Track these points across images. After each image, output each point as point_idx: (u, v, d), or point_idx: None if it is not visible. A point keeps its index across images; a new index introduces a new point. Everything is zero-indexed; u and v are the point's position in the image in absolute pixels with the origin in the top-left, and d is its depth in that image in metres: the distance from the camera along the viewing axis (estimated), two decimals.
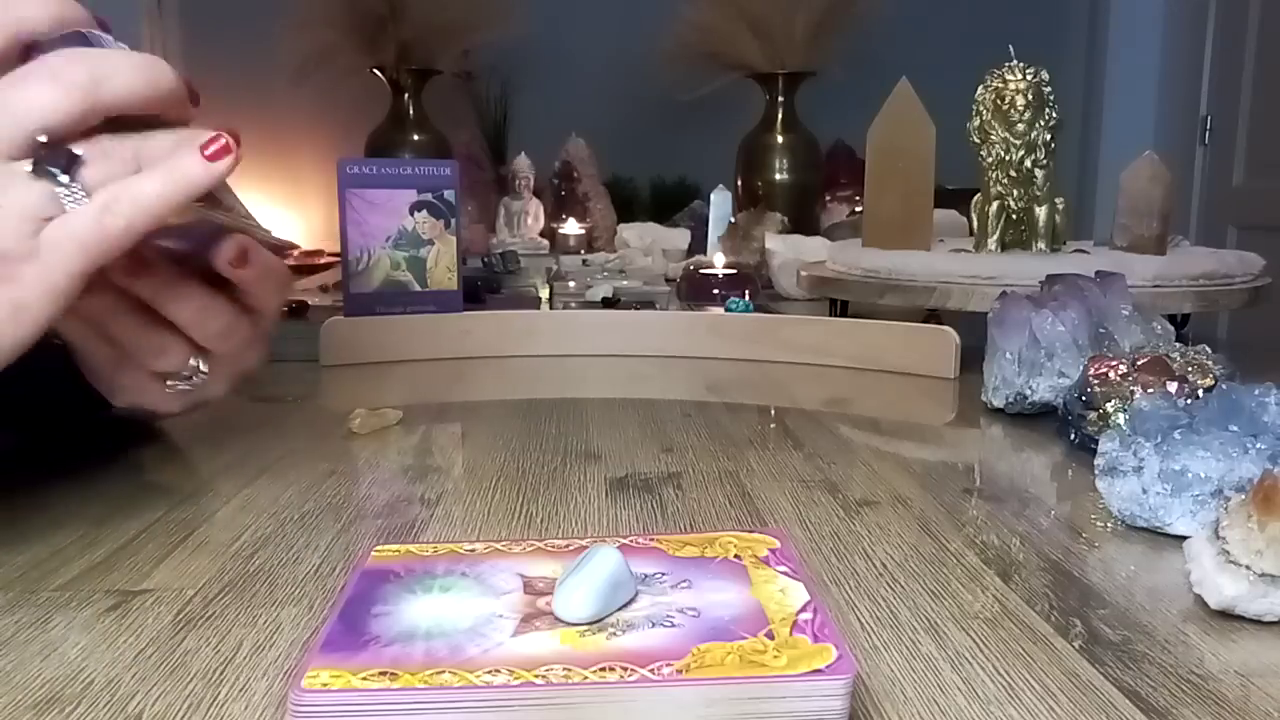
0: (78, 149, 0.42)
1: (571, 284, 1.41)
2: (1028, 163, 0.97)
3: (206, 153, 0.43)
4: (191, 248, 0.47)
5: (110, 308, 0.47)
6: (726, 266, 1.30)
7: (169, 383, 0.50)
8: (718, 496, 0.53)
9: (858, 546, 0.46)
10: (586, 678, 0.27)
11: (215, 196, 0.47)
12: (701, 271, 1.30)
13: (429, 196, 0.98)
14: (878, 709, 0.31)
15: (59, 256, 0.41)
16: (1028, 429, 0.68)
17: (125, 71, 0.43)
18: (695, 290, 1.28)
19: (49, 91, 0.41)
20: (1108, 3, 3.04)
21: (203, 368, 0.50)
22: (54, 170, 0.41)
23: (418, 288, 0.98)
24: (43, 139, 0.41)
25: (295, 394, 0.79)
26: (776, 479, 0.56)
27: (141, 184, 0.42)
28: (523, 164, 2.14)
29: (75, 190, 0.41)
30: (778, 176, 2.08)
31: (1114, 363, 0.60)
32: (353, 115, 2.45)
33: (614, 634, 0.30)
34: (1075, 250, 1.04)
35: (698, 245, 1.76)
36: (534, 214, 2.12)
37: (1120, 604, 0.39)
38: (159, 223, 0.43)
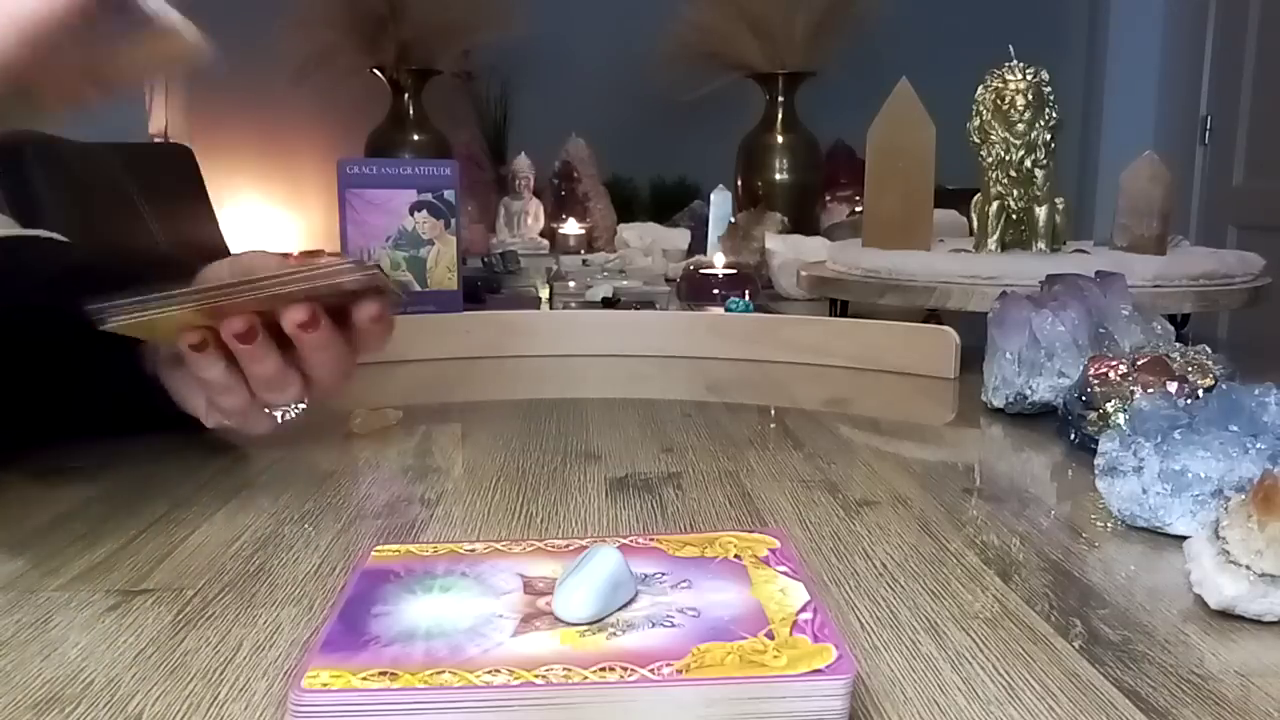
0: None
1: (571, 284, 1.41)
2: (1028, 163, 0.97)
3: None
4: (344, 299, 0.50)
5: (252, 334, 0.48)
6: (726, 266, 1.30)
7: (278, 413, 0.53)
8: (718, 496, 0.53)
9: (858, 546, 0.46)
10: (586, 678, 0.27)
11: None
12: (701, 271, 1.30)
13: (429, 196, 0.98)
14: (878, 709, 0.31)
15: None
16: (1028, 429, 0.68)
17: None
18: (695, 290, 1.28)
19: None
20: (1108, 3, 3.04)
21: (305, 401, 0.53)
22: None
23: (418, 288, 0.98)
24: None
25: None
26: (776, 479, 0.56)
27: None
28: (523, 164, 2.14)
29: None
30: (778, 176, 2.08)
31: (1114, 363, 0.60)
32: (353, 115, 2.45)
33: (614, 634, 0.30)
34: (1075, 250, 1.04)
35: (698, 245, 1.76)
36: (534, 214, 2.12)
37: (1120, 604, 0.39)
38: (53, 30, 0.41)
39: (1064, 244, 1.04)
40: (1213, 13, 2.83)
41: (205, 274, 0.54)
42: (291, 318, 0.48)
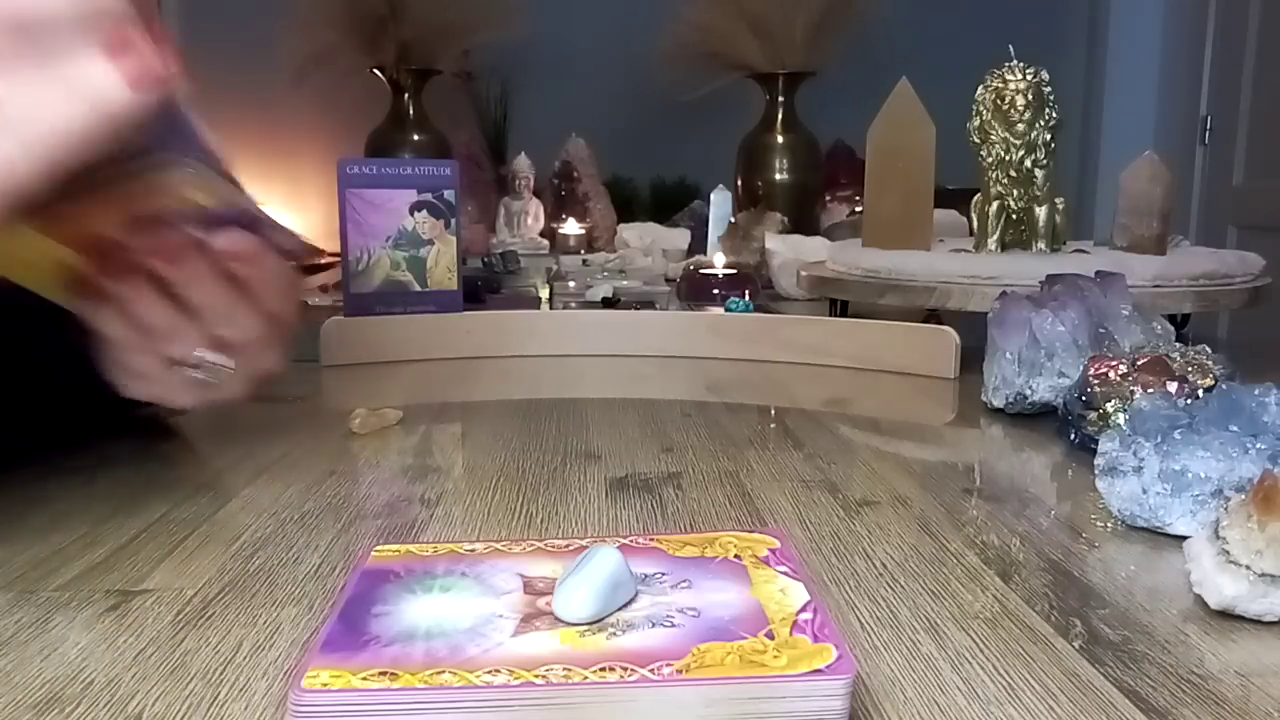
0: None
1: (571, 284, 1.41)
2: (1028, 163, 0.97)
3: (131, 80, 0.35)
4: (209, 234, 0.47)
5: (133, 288, 0.46)
6: (726, 266, 1.30)
7: (184, 371, 0.49)
8: (718, 496, 0.53)
9: (858, 546, 0.46)
10: (586, 678, 0.27)
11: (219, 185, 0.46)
12: (701, 271, 1.30)
13: (429, 196, 0.98)
14: (878, 709, 0.31)
15: None
16: (1028, 429, 0.68)
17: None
18: (695, 290, 1.28)
19: None
20: (1108, 3, 3.04)
21: (218, 361, 0.50)
22: None
23: (418, 288, 0.98)
24: None
25: (295, 394, 0.79)
26: (776, 479, 0.56)
27: (56, 115, 0.35)
28: (523, 164, 2.14)
29: None
30: (778, 176, 2.08)
31: (1114, 363, 0.60)
32: (353, 115, 2.45)
33: (614, 634, 0.30)
34: (1075, 250, 1.04)
35: (698, 245, 1.76)
36: (534, 214, 2.12)
37: (1120, 604, 0.39)
38: (82, 156, 0.37)
39: (1064, 244, 1.04)
40: (1213, 13, 2.83)
41: None
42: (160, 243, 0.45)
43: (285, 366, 0.53)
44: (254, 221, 0.47)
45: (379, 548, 0.37)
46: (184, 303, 0.47)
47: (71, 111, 0.35)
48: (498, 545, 0.37)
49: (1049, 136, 0.96)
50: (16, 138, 0.35)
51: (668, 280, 1.50)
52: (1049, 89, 0.96)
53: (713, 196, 1.76)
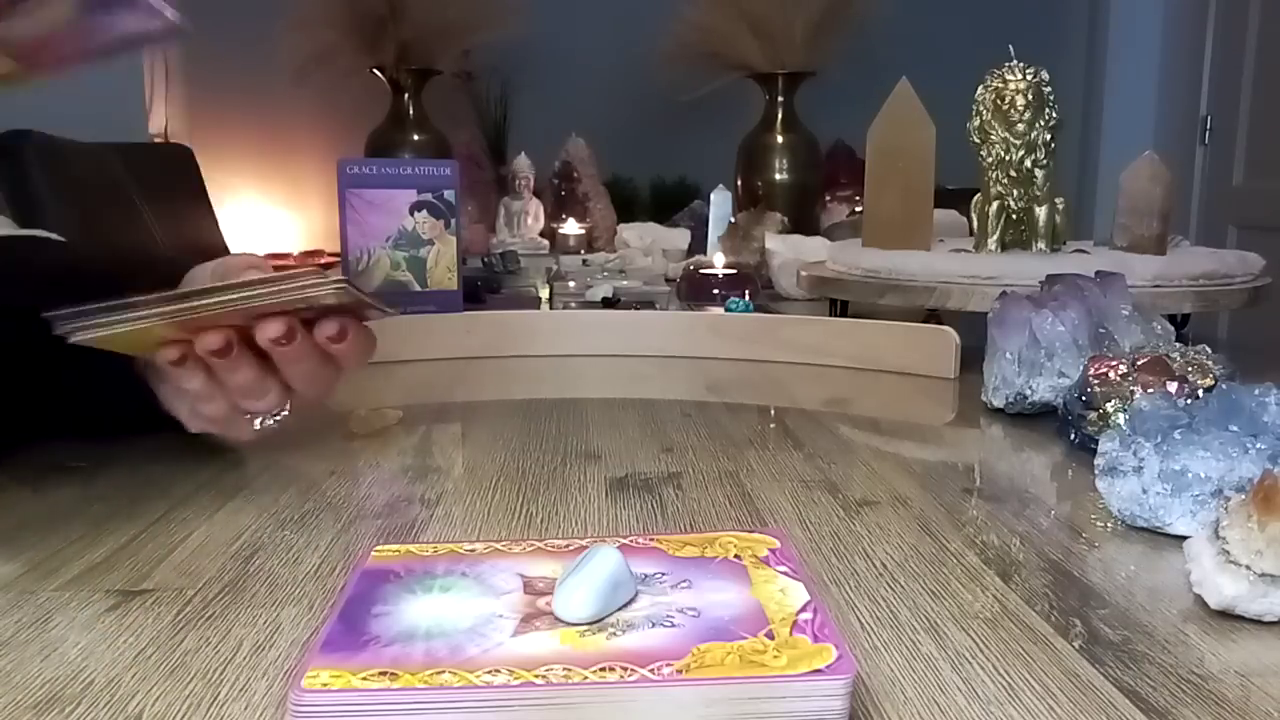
0: None
1: (571, 284, 1.41)
2: (1028, 163, 0.97)
3: None
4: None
5: (227, 349, 0.48)
6: (726, 266, 1.30)
7: (257, 421, 0.53)
8: (718, 496, 0.53)
9: (858, 546, 0.46)
10: (586, 678, 0.27)
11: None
12: (701, 271, 1.30)
13: (429, 196, 0.98)
14: (878, 709, 0.31)
15: None
16: (1028, 429, 0.68)
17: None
18: (695, 290, 1.28)
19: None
20: (1108, 3, 3.04)
21: (289, 408, 0.53)
22: None
23: (418, 288, 0.98)
24: None
25: None
26: (776, 479, 0.56)
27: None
28: (523, 164, 2.14)
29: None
30: (778, 176, 2.08)
31: (1114, 363, 0.60)
32: (353, 115, 2.45)
33: (614, 634, 0.30)
34: (1075, 250, 1.04)
35: (698, 245, 1.76)
36: (534, 214, 2.12)
37: (1120, 604, 0.39)
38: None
39: (1064, 244, 1.04)
40: (1213, 13, 2.83)
41: (190, 277, 0.54)
42: (265, 333, 0.48)
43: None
44: (359, 304, 0.50)
45: (379, 548, 0.37)
46: (272, 368, 0.51)
47: None
48: (498, 545, 0.37)
49: (1049, 136, 0.96)
50: None
51: (668, 280, 1.50)
52: (1049, 89, 0.96)
53: (713, 196, 1.76)
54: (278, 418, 0.54)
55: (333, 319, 0.50)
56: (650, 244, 1.80)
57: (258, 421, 0.53)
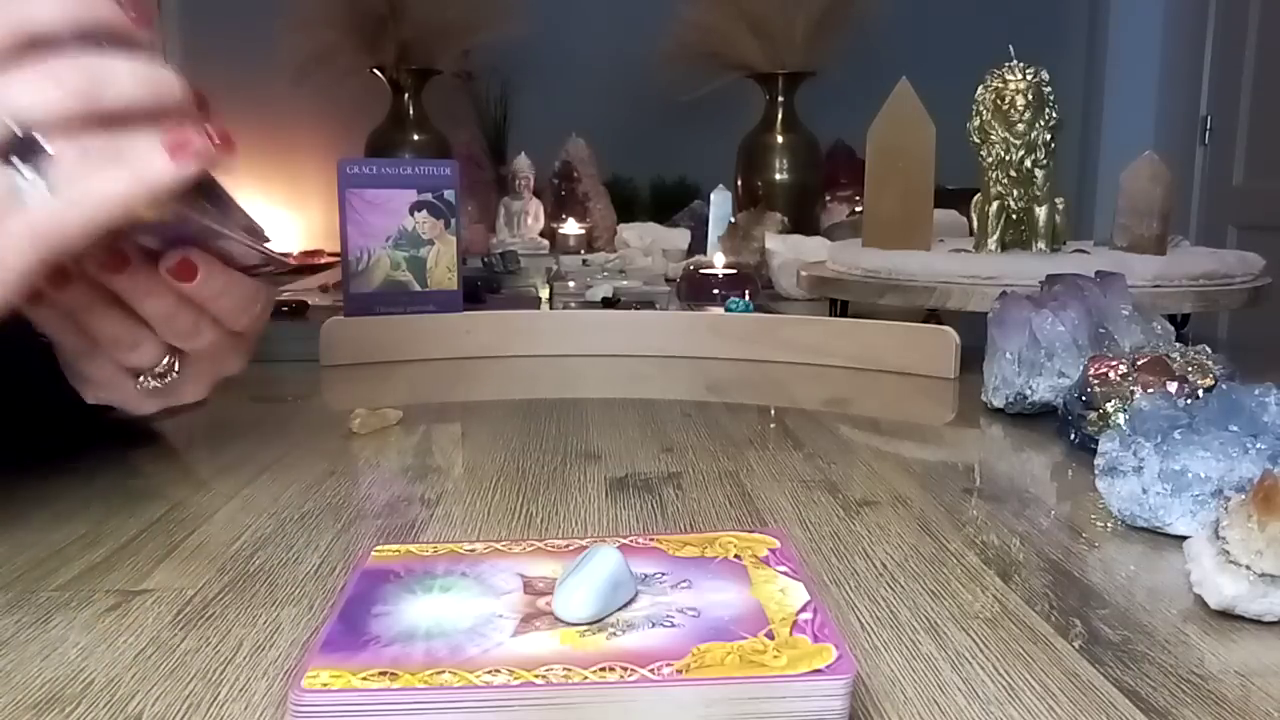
0: (50, 145, 0.40)
1: (571, 284, 1.41)
2: (1028, 163, 0.97)
3: (173, 152, 0.41)
4: (166, 246, 0.47)
5: (85, 299, 0.47)
6: (726, 266, 1.30)
7: (140, 379, 0.51)
8: (718, 496, 0.53)
9: (858, 546, 0.46)
10: (586, 678, 0.27)
11: (205, 197, 0.46)
12: (701, 271, 1.30)
13: (429, 196, 0.98)
14: (878, 709, 0.31)
15: (11, 245, 0.40)
16: (1028, 429, 0.68)
17: (125, 79, 0.42)
18: (695, 290, 1.28)
19: (40, 90, 0.40)
20: (1108, 3, 3.04)
21: (176, 368, 0.51)
22: (17, 162, 0.40)
23: (418, 288, 0.98)
24: (19, 133, 0.40)
25: (295, 394, 0.79)
26: (776, 479, 0.56)
27: (104, 180, 0.41)
28: (523, 164, 2.14)
29: (36, 183, 0.40)
30: (778, 176, 2.08)
31: (1114, 363, 0.60)
32: (353, 115, 2.45)
33: (614, 634, 0.30)
34: (1075, 250, 1.04)
35: (698, 245, 1.76)
36: (534, 214, 2.12)
37: (1120, 604, 0.39)
38: (121, 220, 0.41)
39: (1064, 244, 1.04)
40: (1213, 13, 2.83)
41: None
42: (91, 261, 0.45)
43: (245, 368, 0.53)
44: (206, 234, 0.47)
45: (379, 548, 0.37)
46: (136, 313, 0.48)
47: (119, 181, 0.40)
48: (498, 545, 0.37)
49: (1049, 136, 0.96)
50: (71, 199, 0.40)
51: (668, 280, 1.50)
52: (1049, 89, 0.96)
53: (713, 196, 1.77)
54: (165, 379, 0.50)
55: (177, 251, 0.47)
56: (650, 244, 1.80)
57: (149, 383, 0.50)
